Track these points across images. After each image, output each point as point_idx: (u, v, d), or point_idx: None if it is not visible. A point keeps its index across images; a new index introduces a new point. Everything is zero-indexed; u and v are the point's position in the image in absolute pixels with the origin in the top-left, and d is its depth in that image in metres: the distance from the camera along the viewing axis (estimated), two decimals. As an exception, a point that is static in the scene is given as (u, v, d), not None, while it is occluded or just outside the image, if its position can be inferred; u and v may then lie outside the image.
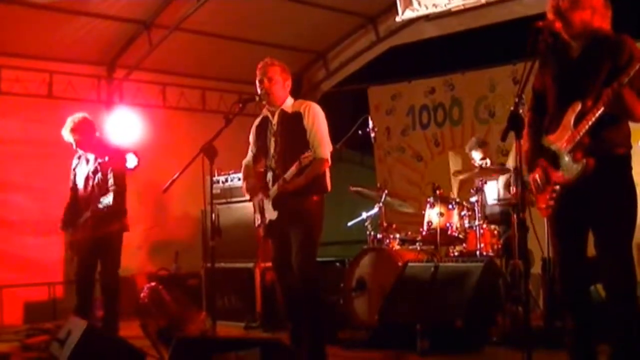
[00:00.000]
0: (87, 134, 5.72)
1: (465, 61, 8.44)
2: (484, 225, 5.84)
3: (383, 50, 8.50)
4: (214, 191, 4.93)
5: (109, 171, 5.56)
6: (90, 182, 5.67)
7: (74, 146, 5.76)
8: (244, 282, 6.69)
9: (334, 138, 4.77)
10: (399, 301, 5.39)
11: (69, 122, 5.70)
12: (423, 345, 4.86)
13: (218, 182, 6.93)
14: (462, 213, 5.99)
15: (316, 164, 4.39)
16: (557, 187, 3.40)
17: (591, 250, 3.45)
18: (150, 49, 7.63)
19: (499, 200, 6.24)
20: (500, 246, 5.90)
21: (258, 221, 4.72)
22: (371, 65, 8.77)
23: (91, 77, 8.03)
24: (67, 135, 5.71)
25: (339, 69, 9.07)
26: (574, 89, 3.36)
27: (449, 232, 5.94)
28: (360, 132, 5.78)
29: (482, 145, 6.47)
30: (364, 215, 6.45)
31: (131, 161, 6.45)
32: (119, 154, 5.90)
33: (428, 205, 6.12)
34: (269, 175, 4.60)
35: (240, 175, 5.00)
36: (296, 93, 6.19)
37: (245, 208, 6.43)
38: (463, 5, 6.74)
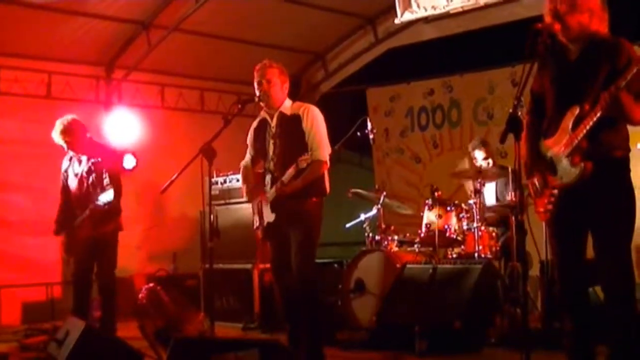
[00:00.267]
0: (77, 136, 5.68)
1: (464, 63, 8.44)
2: (483, 227, 5.84)
3: (382, 52, 8.50)
4: (212, 192, 4.91)
5: (104, 171, 5.53)
6: (85, 183, 5.65)
7: (66, 148, 5.73)
8: (242, 283, 6.70)
9: (333, 139, 4.77)
10: (397, 302, 5.40)
11: (59, 125, 5.65)
12: (421, 346, 4.87)
13: (217, 183, 6.93)
14: (461, 215, 5.99)
15: (315, 166, 4.39)
16: (555, 191, 3.40)
17: (590, 252, 3.46)
18: (149, 49, 7.63)
19: (496, 202, 6.24)
20: (498, 248, 5.90)
21: (256, 223, 4.72)
22: (370, 66, 8.77)
23: (90, 78, 8.03)
24: (57, 137, 5.67)
25: (337, 70, 9.07)
26: (572, 92, 3.37)
27: (448, 234, 5.94)
28: (359, 133, 5.79)
29: (485, 144, 6.48)
30: (363, 216, 6.45)
31: (129, 162, 6.43)
32: (113, 154, 5.90)
33: (426, 207, 6.12)
34: (268, 177, 4.60)
35: (239, 176, 5.00)
36: (295, 94, 6.19)
37: (243, 209, 6.44)
38: (462, 7, 6.75)
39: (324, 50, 9.01)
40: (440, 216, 5.99)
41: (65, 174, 5.83)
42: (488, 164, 6.27)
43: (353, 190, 6.43)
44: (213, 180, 6.55)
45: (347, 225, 6.75)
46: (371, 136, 5.81)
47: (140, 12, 7.37)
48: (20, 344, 5.81)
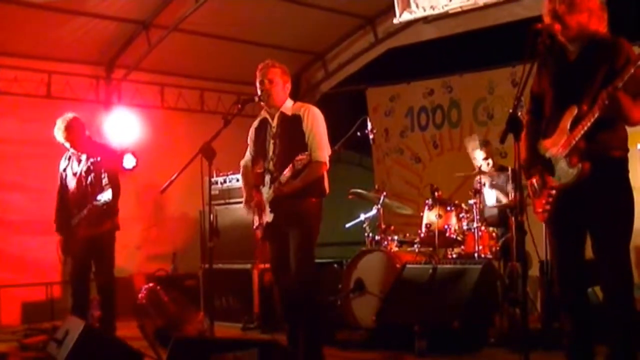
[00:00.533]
0: (78, 134, 5.70)
1: (464, 63, 8.44)
2: (482, 228, 5.84)
3: (382, 52, 8.50)
4: (212, 192, 4.91)
5: (102, 171, 5.52)
6: (84, 182, 5.65)
7: (68, 147, 5.74)
8: (241, 283, 6.70)
9: (333, 139, 4.77)
10: (397, 302, 5.40)
11: (60, 123, 5.66)
12: (421, 346, 4.87)
13: (216, 183, 6.93)
14: (461, 215, 6.00)
15: (314, 167, 4.38)
16: (553, 191, 3.40)
17: (589, 253, 3.46)
18: (149, 49, 7.63)
19: (496, 202, 6.24)
20: (498, 248, 5.90)
21: (256, 223, 4.72)
22: (370, 66, 8.77)
23: (89, 77, 8.03)
24: (59, 136, 5.67)
25: (337, 70, 9.07)
26: (570, 92, 3.37)
27: (447, 234, 5.94)
28: (358, 133, 5.79)
29: (485, 145, 6.46)
30: (362, 216, 6.45)
31: (129, 162, 6.44)
32: (112, 154, 5.90)
33: (426, 207, 6.13)
34: (267, 177, 4.59)
35: (239, 176, 5.00)
36: (295, 94, 6.18)
37: (243, 209, 6.42)
38: (460, 7, 6.74)
39: (323, 50, 9.01)
40: (440, 216, 5.99)
41: (63, 173, 5.83)
42: (488, 164, 6.27)
43: (353, 190, 6.44)
44: (213, 180, 6.54)
45: (347, 225, 6.75)
46: (371, 136, 5.81)
47: (140, 12, 7.37)
48: (19, 343, 5.81)
